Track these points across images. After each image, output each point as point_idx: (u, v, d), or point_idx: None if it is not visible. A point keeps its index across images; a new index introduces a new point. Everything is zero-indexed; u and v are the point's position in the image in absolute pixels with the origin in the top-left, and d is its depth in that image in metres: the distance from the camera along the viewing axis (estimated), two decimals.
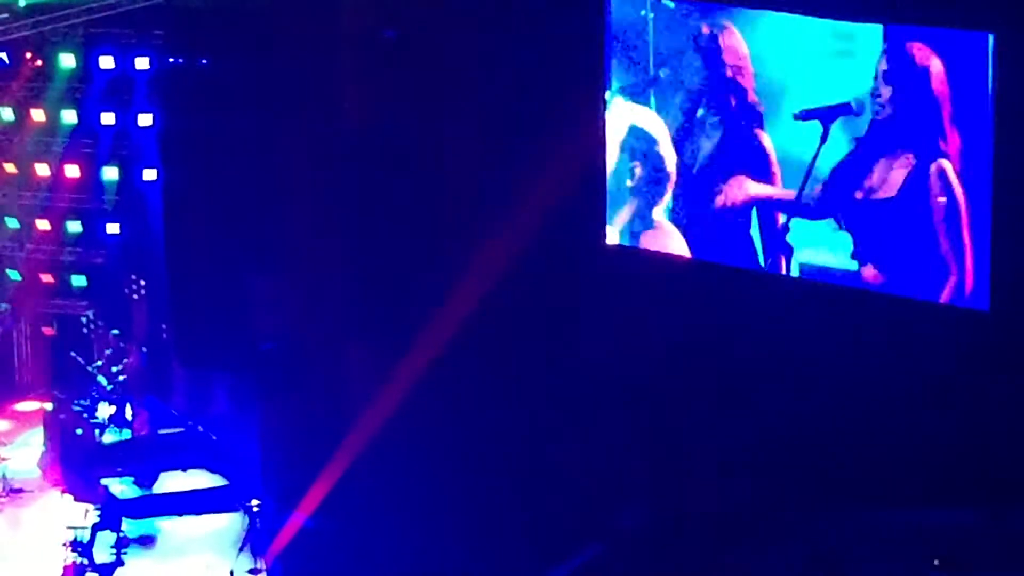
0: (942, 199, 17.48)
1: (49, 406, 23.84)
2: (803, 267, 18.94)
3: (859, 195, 18.28)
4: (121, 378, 23.66)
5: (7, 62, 24.10)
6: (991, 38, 16.74)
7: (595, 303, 20.50)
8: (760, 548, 18.55)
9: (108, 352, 24.10)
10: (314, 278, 22.46)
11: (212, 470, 23.06)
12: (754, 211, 19.24)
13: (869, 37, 17.86)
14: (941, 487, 17.41)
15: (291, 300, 22.85)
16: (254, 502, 20.91)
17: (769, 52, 18.82)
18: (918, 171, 17.74)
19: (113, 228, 24.54)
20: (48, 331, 25.59)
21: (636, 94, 20.17)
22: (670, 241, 19.87)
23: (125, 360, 23.81)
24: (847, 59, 18.14)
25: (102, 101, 24.04)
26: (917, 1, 17.36)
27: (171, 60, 23.89)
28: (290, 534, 20.62)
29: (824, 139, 18.46)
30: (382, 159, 21.69)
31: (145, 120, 24.01)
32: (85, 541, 20.55)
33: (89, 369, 23.83)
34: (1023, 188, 16.79)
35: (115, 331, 24.31)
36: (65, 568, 20.23)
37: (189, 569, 20.71)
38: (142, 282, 25.11)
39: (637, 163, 20.30)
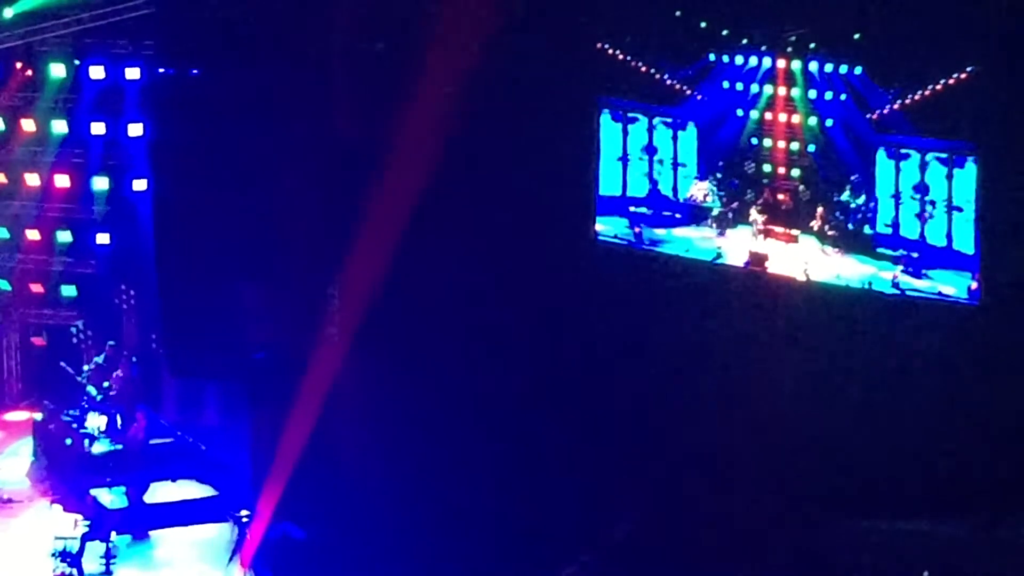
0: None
1: (39, 416, 23.77)
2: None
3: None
4: (109, 387, 23.59)
5: None
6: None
7: (589, 301, 20.50)
8: (753, 557, 18.54)
9: (98, 359, 24.02)
10: (304, 287, 22.45)
11: (202, 480, 23.01)
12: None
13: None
14: (932, 497, 17.43)
15: (281, 309, 22.83)
16: (243, 512, 20.87)
17: None
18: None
19: (103, 238, 24.48)
20: (38, 341, 25.52)
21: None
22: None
23: (117, 373, 23.75)
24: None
25: (92, 111, 23.98)
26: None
27: (161, 70, 23.86)
28: (256, 541, 20.58)
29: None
30: (372, 167, 21.69)
31: (135, 130, 23.96)
32: (74, 551, 20.48)
33: (79, 379, 23.77)
34: (1010, 186, 16.86)
35: (111, 342, 24.22)
36: None
37: None
38: (132, 292, 25.06)
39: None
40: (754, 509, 18.61)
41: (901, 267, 18.87)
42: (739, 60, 20.12)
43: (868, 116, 19.15)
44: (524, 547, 19.73)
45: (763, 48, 19.87)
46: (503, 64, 20.70)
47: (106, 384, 23.47)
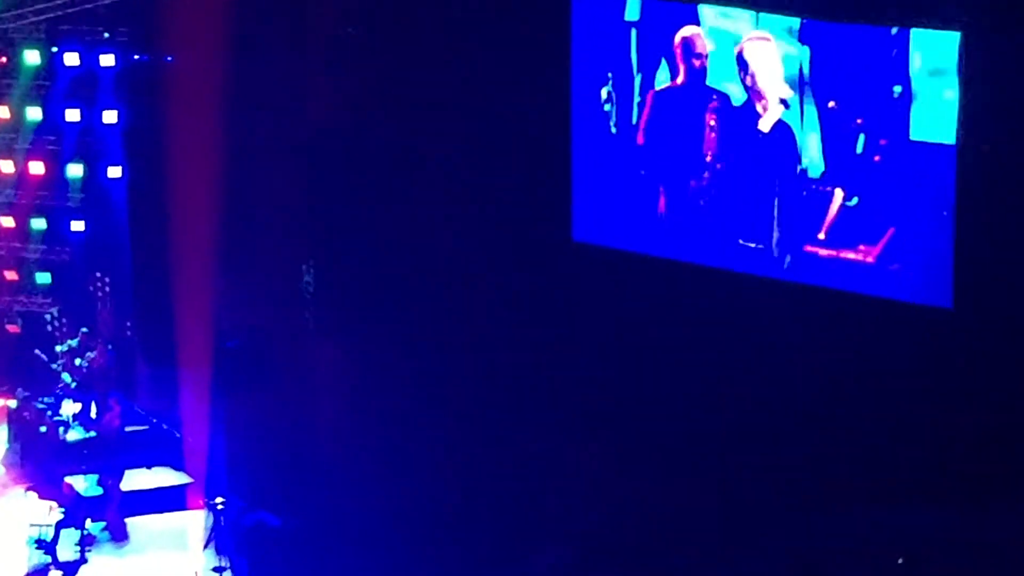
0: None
1: (13, 403, 23.75)
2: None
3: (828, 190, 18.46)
4: (81, 365, 23.55)
5: None
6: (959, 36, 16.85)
7: (565, 301, 20.49)
8: (731, 550, 18.57)
9: (71, 342, 23.97)
10: (279, 275, 22.44)
11: (177, 468, 23.03)
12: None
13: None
14: (907, 487, 17.46)
15: (255, 297, 22.83)
16: (219, 499, 20.88)
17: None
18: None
19: (78, 225, 24.49)
20: (12, 328, 25.49)
21: None
22: None
23: (90, 355, 23.74)
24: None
25: (67, 98, 23.98)
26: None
27: (136, 57, 23.86)
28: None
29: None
30: (347, 156, 21.68)
31: (110, 117, 23.96)
32: (49, 539, 20.49)
33: (53, 367, 23.76)
34: (985, 184, 16.85)
35: (84, 329, 24.21)
36: (29, 566, 20.19)
37: (153, 567, 20.68)
38: (106, 279, 25.06)
39: None
40: (734, 501, 18.64)
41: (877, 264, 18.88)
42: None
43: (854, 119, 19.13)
44: (500, 537, 19.76)
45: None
46: (479, 56, 20.69)
47: (78, 362, 23.45)
